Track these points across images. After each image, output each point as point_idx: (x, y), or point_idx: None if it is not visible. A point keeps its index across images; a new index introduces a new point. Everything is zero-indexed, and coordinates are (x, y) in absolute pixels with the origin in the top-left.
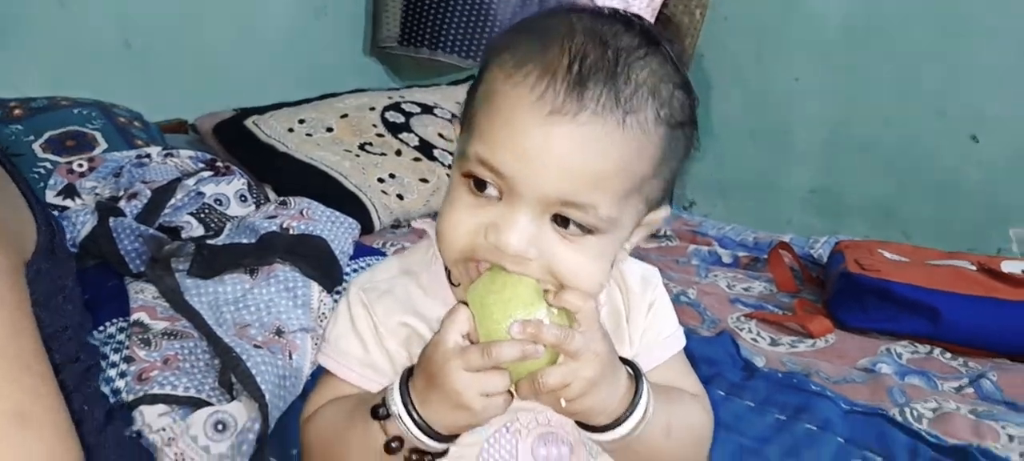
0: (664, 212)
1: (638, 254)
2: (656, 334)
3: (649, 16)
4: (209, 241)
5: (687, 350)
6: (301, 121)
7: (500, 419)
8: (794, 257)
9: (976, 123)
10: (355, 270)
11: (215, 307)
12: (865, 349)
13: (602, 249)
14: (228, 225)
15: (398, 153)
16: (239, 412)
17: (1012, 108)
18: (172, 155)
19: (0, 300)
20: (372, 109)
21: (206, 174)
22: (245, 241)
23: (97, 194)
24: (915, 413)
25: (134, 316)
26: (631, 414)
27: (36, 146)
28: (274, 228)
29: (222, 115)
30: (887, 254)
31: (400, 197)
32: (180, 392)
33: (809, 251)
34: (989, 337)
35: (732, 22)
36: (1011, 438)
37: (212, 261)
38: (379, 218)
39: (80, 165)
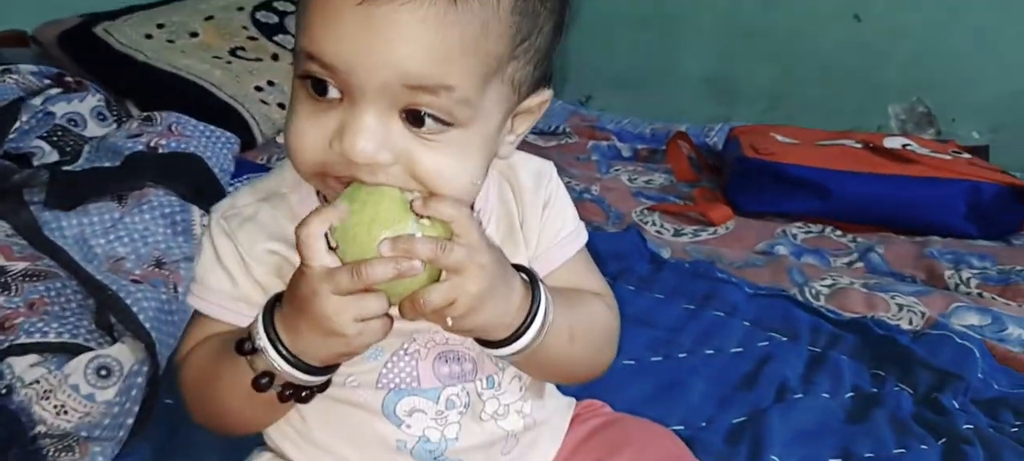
0: (542, 96)
1: (537, 153)
2: (554, 234)
3: None
4: (66, 167)
5: (594, 247)
6: (160, 26)
7: (396, 342)
8: (691, 146)
9: (860, 1)
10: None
11: (82, 241)
12: (762, 233)
13: (467, 144)
14: (86, 147)
15: (275, 57)
16: (124, 355)
17: None
18: (11, 72)
19: None
20: (240, 9)
21: (54, 91)
22: (108, 164)
23: None
24: (813, 291)
25: None
26: (529, 326)
27: None
28: (140, 147)
29: (66, 23)
30: (780, 137)
31: (282, 106)
32: (52, 338)
33: (705, 139)
34: (875, 211)
35: None
36: (900, 307)
37: (71, 189)
38: (260, 131)
39: None
